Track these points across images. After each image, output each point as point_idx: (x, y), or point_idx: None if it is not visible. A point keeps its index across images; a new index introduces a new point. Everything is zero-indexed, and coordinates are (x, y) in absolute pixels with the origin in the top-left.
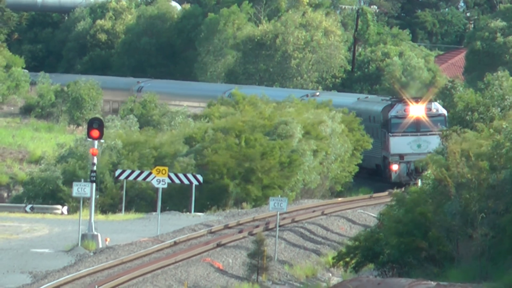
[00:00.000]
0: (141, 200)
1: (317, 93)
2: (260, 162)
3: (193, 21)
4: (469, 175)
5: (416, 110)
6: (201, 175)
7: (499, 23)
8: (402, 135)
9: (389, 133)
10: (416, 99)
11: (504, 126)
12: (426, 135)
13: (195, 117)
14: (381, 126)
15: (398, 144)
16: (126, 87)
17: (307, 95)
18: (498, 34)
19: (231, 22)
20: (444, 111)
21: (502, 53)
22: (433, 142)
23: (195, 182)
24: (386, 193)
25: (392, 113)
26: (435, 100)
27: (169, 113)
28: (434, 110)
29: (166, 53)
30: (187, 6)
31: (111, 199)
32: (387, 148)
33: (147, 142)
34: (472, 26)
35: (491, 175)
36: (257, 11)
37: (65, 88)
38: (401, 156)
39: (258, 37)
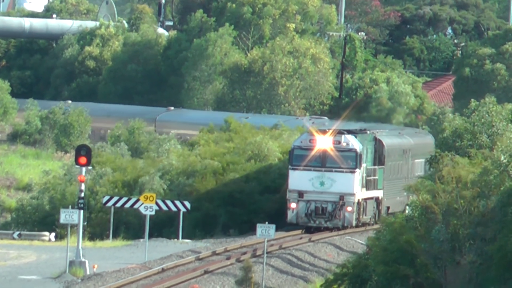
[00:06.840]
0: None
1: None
2: (245, 186)
3: (177, 47)
4: (455, 204)
5: (323, 143)
6: (189, 202)
7: (487, 49)
8: (303, 169)
9: (290, 166)
10: (324, 130)
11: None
12: (331, 171)
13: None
14: None
15: (298, 179)
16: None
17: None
18: (487, 61)
19: (218, 47)
20: (357, 147)
21: (490, 80)
22: (339, 180)
23: (182, 209)
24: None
25: (296, 143)
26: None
27: (156, 140)
28: (344, 144)
29: (152, 80)
30: (174, 32)
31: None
32: (286, 182)
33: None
34: (460, 52)
35: (480, 202)
36: (245, 38)
37: (50, 115)
38: (300, 194)
39: (246, 65)
